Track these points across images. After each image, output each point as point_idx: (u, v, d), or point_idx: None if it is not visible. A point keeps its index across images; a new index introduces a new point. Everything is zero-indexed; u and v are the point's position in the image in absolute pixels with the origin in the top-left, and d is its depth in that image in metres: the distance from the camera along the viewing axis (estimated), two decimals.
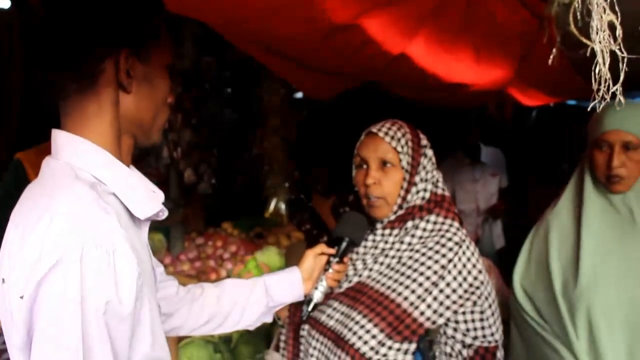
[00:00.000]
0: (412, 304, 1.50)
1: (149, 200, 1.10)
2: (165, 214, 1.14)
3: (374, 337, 1.48)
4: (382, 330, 1.48)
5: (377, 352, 1.47)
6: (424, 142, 1.69)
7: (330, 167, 3.81)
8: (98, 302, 0.89)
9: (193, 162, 3.52)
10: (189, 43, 3.30)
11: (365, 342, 1.48)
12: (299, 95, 4.60)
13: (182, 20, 3.21)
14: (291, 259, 3.46)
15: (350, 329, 1.52)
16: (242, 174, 4.37)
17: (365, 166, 1.65)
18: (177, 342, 2.70)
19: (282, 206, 4.21)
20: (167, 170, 3.41)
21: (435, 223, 1.62)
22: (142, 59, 1.08)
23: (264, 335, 2.91)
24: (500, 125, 4.24)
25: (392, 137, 1.62)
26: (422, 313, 1.49)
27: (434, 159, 1.70)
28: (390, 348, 1.48)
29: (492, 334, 1.55)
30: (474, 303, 1.53)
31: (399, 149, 1.61)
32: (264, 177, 3.97)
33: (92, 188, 0.98)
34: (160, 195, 1.15)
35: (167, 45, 1.15)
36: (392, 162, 1.62)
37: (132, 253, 0.95)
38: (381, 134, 1.63)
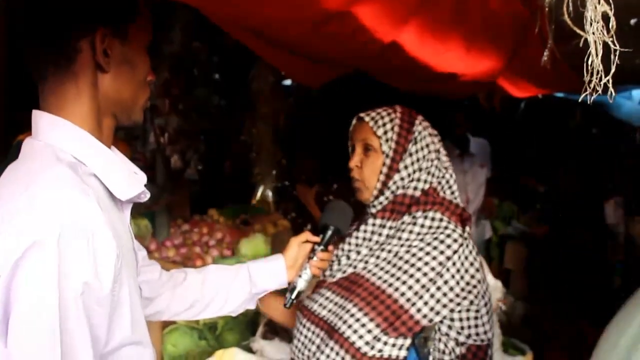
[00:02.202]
0: (408, 300, 1.49)
1: (131, 181, 1.09)
2: (147, 196, 1.12)
3: (369, 331, 1.47)
4: (378, 325, 1.48)
5: (372, 347, 1.47)
6: (420, 129, 1.67)
7: (314, 156, 3.81)
8: (75, 283, 0.88)
9: (180, 148, 3.50)
10: (179, 28, 3.26)
11: (361, 337, 1.47)
12: (288, 82, 4.58)
13: (172, 5, 3.18)
14: (277, 247, 3.46)
15: (345, 322, 1.51)
16: (229, 160, 4.35)
17: (352, 150, 1.70)
18: (162, 329, 2.70)
19: (269, 194, 4.20)
20: (154, 155, 3.39)
21: (433, 219, 1.60)
22: (120, 38, 1.06)
23: (249, 323, 2.90)
24: (489, 115, 4.26)
25: (376, 122, 1.64)
26: (419, 310, 1.48)
27: (438, 154, 1.69)
28: (385, 343, 1.47)
29: (485, 332, 1.55)
30: (471, 302, 1.53)
31: (379, 133, 1.63)
32: (251, 164, 3.96)
33: (72, 169, 0.97)
34: (142, 177, 1.15)
35: (145, 24, 1.13)
36: (373, 146, 1.64)
37: (111, 235, 0.94)
38: (367, 119, 1.66)
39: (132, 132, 3.27)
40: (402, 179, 1.63)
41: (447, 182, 1.69)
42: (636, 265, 7.24)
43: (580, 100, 1.17)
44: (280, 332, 2.54)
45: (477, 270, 1.57)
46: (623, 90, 4.26)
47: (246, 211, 4.14)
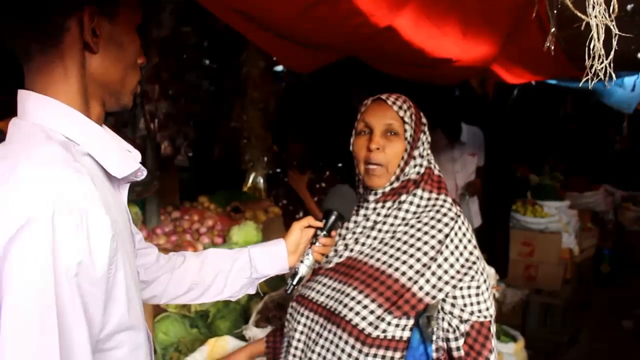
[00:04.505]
0: (410, 278, 1.49)
1: (126, 159, 1.07)
2: (143, 173, 1.11)
3: (372, 312, 1.46)
4: (380, 306, 1.47)
5: (376, 328, 1.45)
6: (424, 120, 1.68)
7: (306, 143, 3.78)
8: (69, 263, 0.85)
9: (170, 134, 3.46)
10: (168, 12, 3.21)
11: (364, 318, 1.46)
12: (279, 68, 4.54)
13: None
14: (269, 234, 3.44)
15: (345, 305, 1.50)
16: (220, 146, 4.31)
17: (367, 132, 1.62)
18: (153, 317, 2.68)
19: (261, 180, 4.17)
20: (144, 142, 3.34)
21: (429, 199, 1.62)
22: (109, 17, 1.03)
23: (241, 311, 2.89)
24: (481, 102, 4.24)
25: (400, 107, 1.61)
26: (421, 288, 1.48)
27: (429, 139, 1.70)
28: (389, 324, 1.46)
29: (487, 309, 1.54)
30: (472, 278, 1.53)
31: (406, 119, 1.60)
32: (242, 150, 3.92)
33: (65, 148, 0.94)
34: (136, 155, 1.12)
35: (135, 3, 1.10)
36: (397, 131, 1.60)
37: (106, 214, 0.91)
38: (389, 102, 1.61)
39: (121, 119, 3.23)
40: (415, 166, 1.63)
41: (432, 160, 1.70)
42: (625, 252, 7.33)
43: (581, 85, 1.15)
44: (273, 320, 2.53)
45: (475, 247, 1.58)
46: (616, 77, 4.25)
47: (237, 198, 4.12)
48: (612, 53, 1.05)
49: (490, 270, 2.77)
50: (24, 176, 0.86)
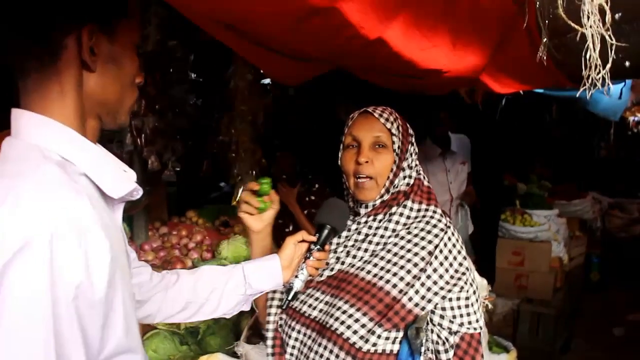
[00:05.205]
0: (401, 291, 1.48)
1: (122, 179, 1.05)
2: (139, 192, 1.09)
3: (363, 326, 1.45)
4: (371, 319, 1.45)
5: (367, 341, 1.44)
6: (411, 131, 1.68)
7: (295, 156, 3.77)
8: (68, 287, 0.84)
9: (157, 148, 3.42)
10: (154, 25, 3.18)
11: (355, 332, 1.44)
12: (267, 80, 4.52)
13: (146, 2, 3.10)
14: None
15: (337, 319, 1.48)
16: (208, 160, 4.28)
17: (355, 145, 1.62)
18: (143, 335, 2.63)
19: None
20: (130, 157, 3.30)
21: (419, 210, 1.62)
22: (108, 36, 1.02)
23: (232, 327, 2.85)
24: (470, 111, 4.25)
25: (387, 119, 1.61)
26: (410, 299, 1.47)
27: (417, 150, 1.70)
28: (379, 337, 1.45)
29: (477, 320, 1.54)
30: (461, 289, 1.52)
31: (393, 131, 1.60)
32: (230, 164, 3.89)
33: (61, 168, 0.92)
34: (132, 174, 1.11)
35: (134, 22, 1.09)
36: (385, 143, 1.60)
37: (105, 236, 0.90)
38: (376, 114, 1.61)
39: (107, 135, 3.19)
40: (404, 177, 1.63)
41: (420, 171, 1.71)
42: (614, 259, 7.36)
43: (578, 95, 1.14)
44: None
45: (465, 258, 1.58)
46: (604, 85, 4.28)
47: (225, 212, 4.08)
48: (610, 62, 1.04)
49: (483, 282, 2.76)
50: (21, 198, 0.84)
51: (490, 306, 2.78)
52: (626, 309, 6.28)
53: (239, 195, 4.07)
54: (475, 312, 1.54)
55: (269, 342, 1.63)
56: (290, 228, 3.63)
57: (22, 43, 0.95)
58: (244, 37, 2.27)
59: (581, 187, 7.20)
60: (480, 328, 1.54)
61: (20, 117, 0.98)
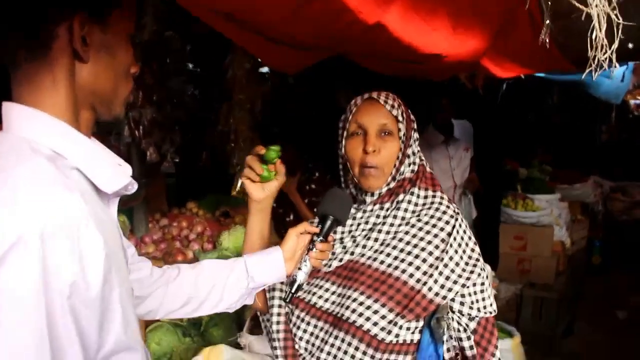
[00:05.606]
0: (418, 280, 1.45)
1: (116, 173, 1.02)
2: (134, 187, 1.05)
3: (383, 317, 1.42)
4: (391, 310, 1.43)
5: (389, 333, 1.42)
6: (412, 116, 1.64)
7: (294, 145, 3.73)
8: (62, 284, 0.81)
9: (155, 140, 3.39)
10: (150, 15, 3.15)
11: (375, 323, 1.42)
12: (265, 69, 4.48)
13: None
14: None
15: (353, 310, 1.45)
16: (207, 151, 4.25)
17: (361, 133, 1.57)
18: (145, 327, 2.62)
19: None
20: (129, 149, 3.28)
21: (426, 197, 1.59)
22: (101, 25, 0.98)
23: (234, 318, 2.83)
24: (471, 96, 4.22)
25: (392, 106, 1.56)
26: (430, 289, 1.45)
27: (418, 136, 1.67)
28: (401, 327, 1.43)
29: (491, 304, 1.53)
30: (478, 275, 1.51)
31: (399, 117, 1.56)
32: (229, 154, 3.86)
33: (52, 163, 0.89)
34: (127, 168, 1.07)
35: (128, 10, 1.06)
36: (391, 131, 1.55)
37: (98, 232, 0.87)
38: (381, 101, 1.56)
39: (105, 127, 3.16)
40: (409, 164, 1.59)
41: (426, 159, 1.68)
42: (615, 242, 7.36)
43: (583, 77, 1.12)
44: None
45: (475, 244, 1.56)
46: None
47: (226, 203, 4.06)
48: (617, 42, 1.01)
49: (487, 267, 2.74)
50: (11, 194, 0.81)
51: (494, 292, 2.77)
52: (628, 292, 6.29)
53: (238, 185, 4.05)
54: (489, 296, 1.53)
55: (276, 336, 1.60)
56: (291, 217, 3.60)
57: (12, 34, 0.93)
58: (243, 26, 2.24)
59: (583, 171, 7.18)
60: (495, 311, 1.54)
61: (11, 110, 0.95)
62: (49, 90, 0.95)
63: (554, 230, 5.18)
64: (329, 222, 1.50)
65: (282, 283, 1.62)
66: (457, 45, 2.19)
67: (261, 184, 1.54)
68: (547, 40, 1.45)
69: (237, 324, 2.82)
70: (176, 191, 4.19)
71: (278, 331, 1.60)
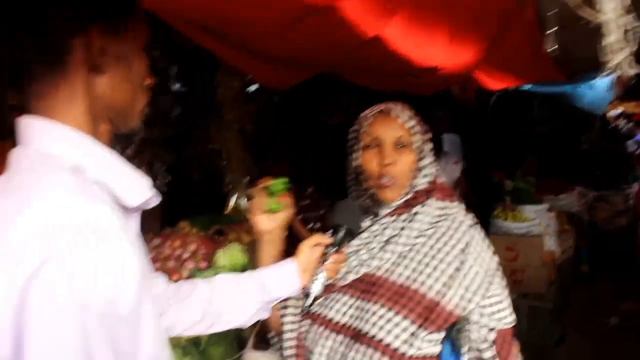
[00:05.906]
0: (438, 292, 1.45)
1: (137, 185, 1.00)
2: (158, 200, 1.04)
3: (404, 330, 1.42)
4: (413, 322, 1.42)
5: (411, 345, 1.41)
6: (426, 127, 1.65)
7: (288, 160, 3.73)
8: (97, 301, 0.79)
9: (146, 159, 3.38)
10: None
11: (397, 336, 1.41)
12: (253, 87, 4.49)
13: None
14: (255, 255, 3.36)
15: (374, 324, 1.44)
16: (199, 170, 4.23)
17: (375, 145, 1.58)
18: None
19: (243, 202, 4.09)
20: None
21: (442, 208, 1.59)
22: (117, 36, 0.98)
23: (235, 336, 2.80)
24: (463, 109, 4.25)
25: (407, 118, 1.58)
26: (450, 300, 1.44)
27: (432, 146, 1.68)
28: (423, 340, 1.42)
29: (511, 314, 1.53)
30: (497, 285, 1.51)
31: (414, 129, 1.57)
32: (221, 172, 3.85)
33: (77, 176, 0.88)
34: (148, 181, 1.05)
35: (143, 22, 1.06)
36: (406, 143, 1.57)
37: (132, 246, 0.85)
38: (393, 114, 1.58)
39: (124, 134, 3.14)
40: (424, 176, 1.60)
41: (438, 169, 1.68)
42: (599, 251, 7.43)
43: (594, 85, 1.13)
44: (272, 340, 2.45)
45: (493, 253, 1.56)
46: (586, 80, 4.31)
47: (218, 221, 4.03)
48: (634, 44, 1.03)
49: None
50: (41, 209, 0.79)
51: None
52: (614, 300, 6.34)
53: (232, 204, 4.03)
54: (508, 307, 1.52)
55: (289, 352, 1.58)
56: (287, 232, 3.59)
57: (28, 47, 0.91)
58: (232, 42, 2.24)
59: (566, 179, 7.25)
60: (514, 322, 1.53)
61: (29, 125, 0.93)
62: (67, 102, 0.94)
63: (543, 240, 5.21)
64: (342, 233, 1.51)
65: (295, 298, 1.60)
66: (453, 57, 2.21)
67: (266, 214, 1.55)
68: (547, 50, 1.46)
69: (237, 342, 2.79)
70: (168, 210, 4.15)
71: (291, 347, 1.58)
